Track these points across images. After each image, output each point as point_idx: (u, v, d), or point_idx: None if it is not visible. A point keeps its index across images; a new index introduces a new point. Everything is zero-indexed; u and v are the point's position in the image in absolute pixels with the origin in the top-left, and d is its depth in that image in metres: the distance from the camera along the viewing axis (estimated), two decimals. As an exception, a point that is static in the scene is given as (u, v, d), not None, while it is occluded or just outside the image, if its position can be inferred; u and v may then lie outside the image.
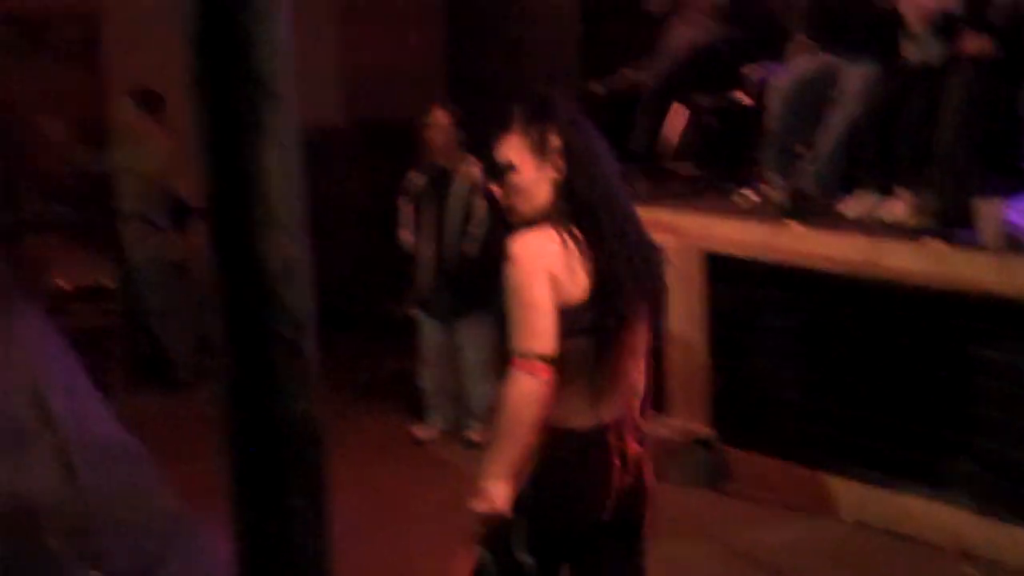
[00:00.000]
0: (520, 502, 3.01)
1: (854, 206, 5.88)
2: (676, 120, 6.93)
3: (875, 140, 5.78)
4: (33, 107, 8.14)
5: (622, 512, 3.08)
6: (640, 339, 3.12)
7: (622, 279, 2.97)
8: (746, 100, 6.70)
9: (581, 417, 3.00)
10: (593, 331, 2.95)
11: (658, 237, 6.35)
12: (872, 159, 5.84)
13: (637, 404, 3.17)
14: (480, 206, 6.85)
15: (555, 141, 3.03)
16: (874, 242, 5.48)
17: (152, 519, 2.11)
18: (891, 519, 5.53)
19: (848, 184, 6.02)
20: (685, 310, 6.31)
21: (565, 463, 3.01)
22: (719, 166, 6.99)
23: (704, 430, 6.25)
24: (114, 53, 8.88)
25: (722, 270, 6.20)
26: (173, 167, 7.80)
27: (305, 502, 1.57)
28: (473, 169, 6.91)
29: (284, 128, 1.51)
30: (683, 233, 6.31)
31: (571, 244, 2.95)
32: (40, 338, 4.18)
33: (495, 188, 3.16)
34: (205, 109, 1.50)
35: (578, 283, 2.94)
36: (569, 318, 2.91)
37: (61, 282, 8.34)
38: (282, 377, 1.53)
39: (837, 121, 5.93)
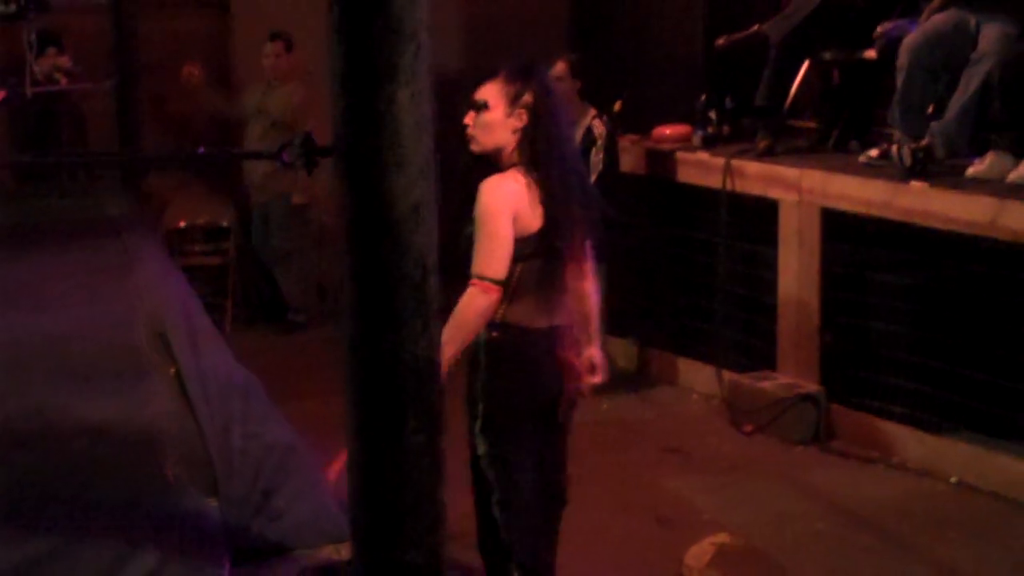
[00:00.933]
0: (481, 390, 3.64)
1: (984, 169, 5.75)
2: (802, 76, 6.84)
3: (1009, 101, 5.64)
4: (165, 50, 8.27)
5: (563, 405, 3.74)
6: (583, 261, 3.85)
7: (566, 215, 3.64)
8: (871, 55, 6.57)
9: (538, 319, 3.65)
10: (546, 253, 3.62)
11: (777, 193, 6.41)
12: (1005, 120, 5.70)
13: (586, 313, 3.87)
14: (596, 158, 6.84)
15: (527, 98, 3.63)
16: (998, 203, 5.36)
17: (266, 450, 2.16)
18: (996, 481, 5.45)
19: (977, 146, 5.89)
20: (800, 266, 6.26)
21: (524, 354, 3.65)
22: (843, 122, 6.88)
23: (812, 386, 6.21)
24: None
25: (839, 227, 6.13)
26: (303, 109, 7.88)
27: (422, 439, 1.60)
28: (593, 120, 6.90)
29: (418, 72, 1.54)
30: (803, 189, 6.24)
31: (532, 186, 3.58)
32: (160, 274, 4.30)
33: (467, 120, 3.67)
34: (342, 52, 1.53)
35: (536, 217, 3.58)
36: (528, 243, 3.57)
37: (181, 220, 8.50)
38: (405, 316, 1.57)
39: (970, 80, 5.79)
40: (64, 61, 7.73)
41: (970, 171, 5.82)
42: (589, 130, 6.90)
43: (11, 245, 4.56)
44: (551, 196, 3.61)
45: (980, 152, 5.86)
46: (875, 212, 5.92)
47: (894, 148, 6.04)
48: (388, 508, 1.59)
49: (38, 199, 5.81)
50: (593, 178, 6.85)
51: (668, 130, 7.28)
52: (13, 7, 5.93)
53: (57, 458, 2.21)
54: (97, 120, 7.84)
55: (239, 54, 8.79)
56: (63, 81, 7.50)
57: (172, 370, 2.74)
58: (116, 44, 6.72)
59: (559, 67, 6.97)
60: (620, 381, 6.74)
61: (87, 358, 2.99)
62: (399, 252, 1.55)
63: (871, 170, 6.14)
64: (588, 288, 3.92)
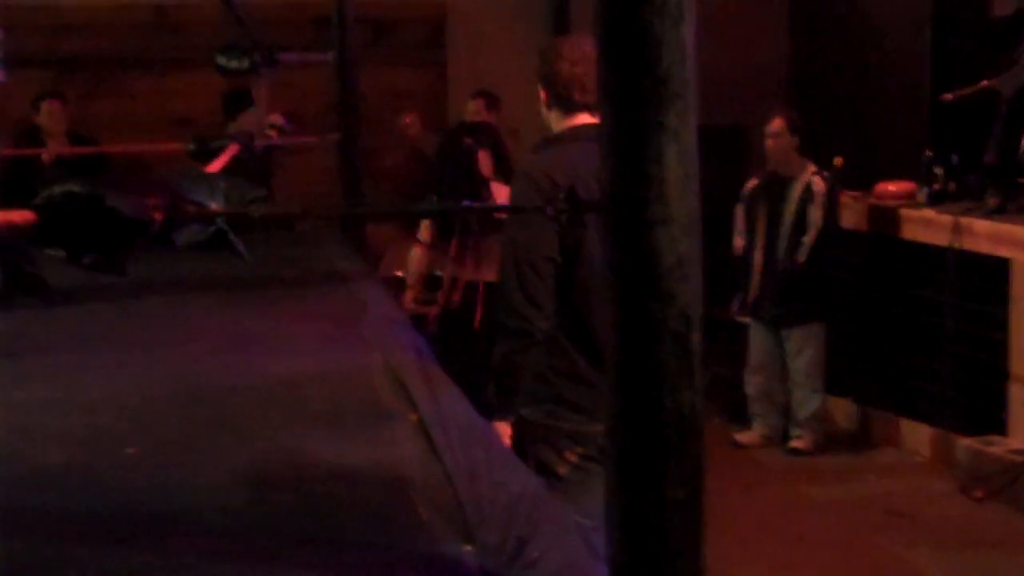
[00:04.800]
0: None
1: None
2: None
3: None
4: (384, 106, 8.52)
5: None
6: None
7: None
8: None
9: None
10: None
11: (1008, 252, 6.21)
12: None
13: None
14: (815, 215, 6.77)
15: None
16: None
17: (515, 498, 2.19)
18: None
19: None
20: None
21: None
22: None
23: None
24: (457, 52, 9.19)
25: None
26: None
27: (684, 493, 1.60)
28: (812, 176, 6.83)
29: (685, 129, 1.55)
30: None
31: None
32: (391, 321, 4.40)
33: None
34: (610, 110, 1.56)
35: None
36: None
37: (398, 270, 8.70)
38: (670, 369, 1.57)
39: None
40: (276, 118, 8.04)
41: None
42: (808, 187, 6.84)
43: (246, 291, 4.74)
44: None
45: None
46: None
47: None
48: (647, 562, 1.59)
49: (266, 247, 6.03)
50: (812, 236, 6.78)
51: (892, 186, 7.15)
52: (247, 63, 6.18)
53: (310, 500, 2.28)
54: (317, 172, 8.09)
55: (454, 111, 9.00)
56: (274, 136, 7.78)
57: (414, 416, 2.80)
58: (339, 99, 6.94)
59: (776, 123, 6.95)
60: (840, 441, 6.63)
61: (327, 403, 3.08)
62: (664, 306, 1.56)
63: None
64: None
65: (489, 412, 3.54)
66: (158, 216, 1.98)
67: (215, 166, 5.36)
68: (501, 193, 6.64)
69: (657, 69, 1.53)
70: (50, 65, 8.22)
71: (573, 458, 3.63)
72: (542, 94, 3.69)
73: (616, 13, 1.51)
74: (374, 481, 2.37)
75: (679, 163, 1.55)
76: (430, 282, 8.77)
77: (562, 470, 3.63)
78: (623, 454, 1.61)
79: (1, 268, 4.57)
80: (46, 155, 7.72)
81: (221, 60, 6.05)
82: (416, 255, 7.43)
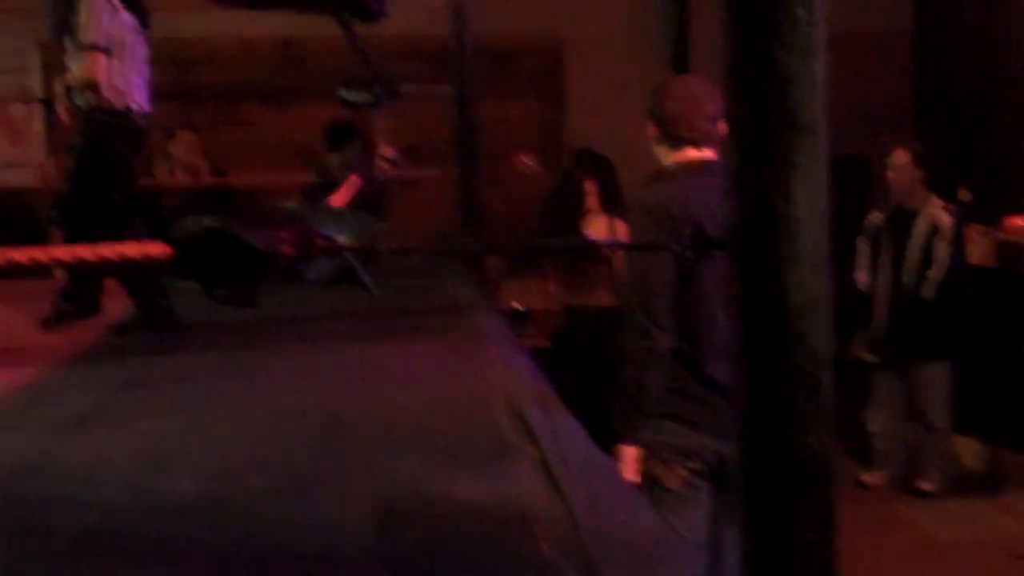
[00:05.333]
0: None
1: None
2: None
3: None
4: (502, 137, 8.57)
5: None
6: None
7: None
8: None
9: None
10: None
11: None
12: None
13: None
14: (942, 250, 6.64)
15: None
16: None
17: (639, 537, 2.17)
18: None
19: None
20: None
21: None
22: None
23: None
24: (574, 85, 9.23)
25: None
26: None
27: (816, 536, 1.57)
28: (937, 211, 6.70)
29: (815, 165, 1.53)
30: None
31: None
32: (512, 355, 4.41)
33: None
34: (738, 146, 1.54)
35: None
36: None
37: (514, 302, 8.73)
38: (800, 411, 1.55)
39: None
40: (388, 151, 8.14)
41: None
42: (934, 220, 6.71)
43: (370, 322, 4.79)
44: None
45: None
46: None
47: None
48: (776, 607, 1.56)
49: (385, 279, 6.09)
50: (938, 271, 6.64)
51: (1020, 221, 6.99)
52: (369, 96, 6.26)
53: (434, 535, 2.28)
54: (429, 204, 8.15)
55: (570, 142, 9.02)
56: (387, 168, 7.86)
57: (535, 451, 2.80)
58: (459, 131, 6.99)
59: (901, 155, 6.83)
60: (967, 482, 6.47)
61: (450, 435, 3.09)
62: (793, 347, 1.54)
63: None
64: None
65: (613, 438, 3.71)
66: (288, 250, 2.01)
67: (339, 199, 5.43)
68: (599, 227, 6.75)
69: (786, 104, 1.51)
70: (176, 97, 8.43)
71: (683, 473, 3.77)
72: (652, 130, 3.97)
73: (744, 47, 1.50)
74: (496, 516, 2.36)
75: (809, 200, 1.53)
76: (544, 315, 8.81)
77: (671, 483, 3.76)
78: (753, 496, 1.58)
79: (134, 300, 4.69)
80: (177, 184, 7.90)
81: (344, 93, 6.16)
82: (539, 287, 7.53)
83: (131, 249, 2.22)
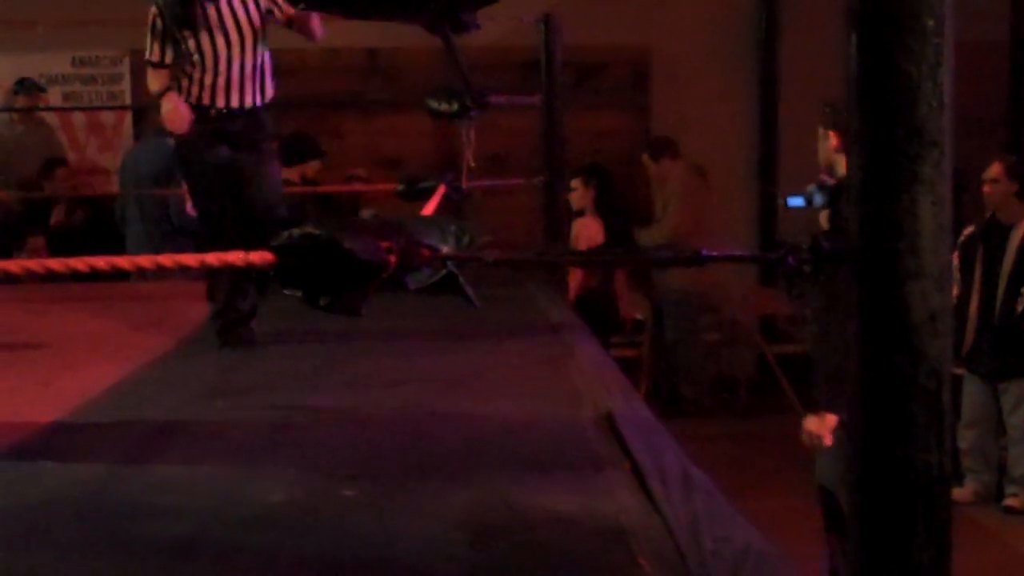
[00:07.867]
0: None
1: None
2: None
3: None
4: (587, 148, 8.56)
5: None
6: None
7: None
8: None
9: None
10: None
11: None
12: None
13: None
14: (1042, 267, 6.52)
15: None
16: None
17: (740, 554, 2.14)
18: None
19: None
20: None
21: None
22: None
23: None
24: (661, 95, 9.19)
25: None
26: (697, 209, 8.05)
27: (930, 557, 1.55)
28: (1033, 224, 6.59)
29: (940, 179, 1.51)
30: None
31: None
32: (601, 367, 4.39)
33: None
34: (862, 160, 1.52)
35: None
36: None
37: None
38: (919, 427, 1.52)
39: None
40: (359, 171, 8.25)
41: None
42: (1027, 233, 6.59)
43: (458, 333, 4.80)
44: None
45: None
46: None
47: None
48: (892, 626, 1.54)
49: (475, 288, 6.08)
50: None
51: (1119, 237, 6.83)
52: (456, 105, 6.27)
53: (527, 548, 2.27)
54: (512, 213, 8.13)
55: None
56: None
57: (627, 464, 2.78)
58: (545, 142, 6.98)
59: (995, 168, 6.72)
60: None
61: (541, 448, 3.08)
62: (914, 361, 1.51)
63: None
64: None
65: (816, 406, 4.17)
66: (392, 259, 2.01)
67: (428, 208, 5.44)
68: (589, 227, 7.69)
69: (913, 117, 1.49)
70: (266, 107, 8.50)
71: None
72: (834, 141, 4.35)
73: (871, 60, 1.48)
74: (591, 530, 2.35)
75: (933, 215, 1.51)
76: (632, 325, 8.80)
77: None
78: (868, 512, 1.56)
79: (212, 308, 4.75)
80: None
81: (431, 103, 6.16)
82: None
83: (234, 257, 2.23)
